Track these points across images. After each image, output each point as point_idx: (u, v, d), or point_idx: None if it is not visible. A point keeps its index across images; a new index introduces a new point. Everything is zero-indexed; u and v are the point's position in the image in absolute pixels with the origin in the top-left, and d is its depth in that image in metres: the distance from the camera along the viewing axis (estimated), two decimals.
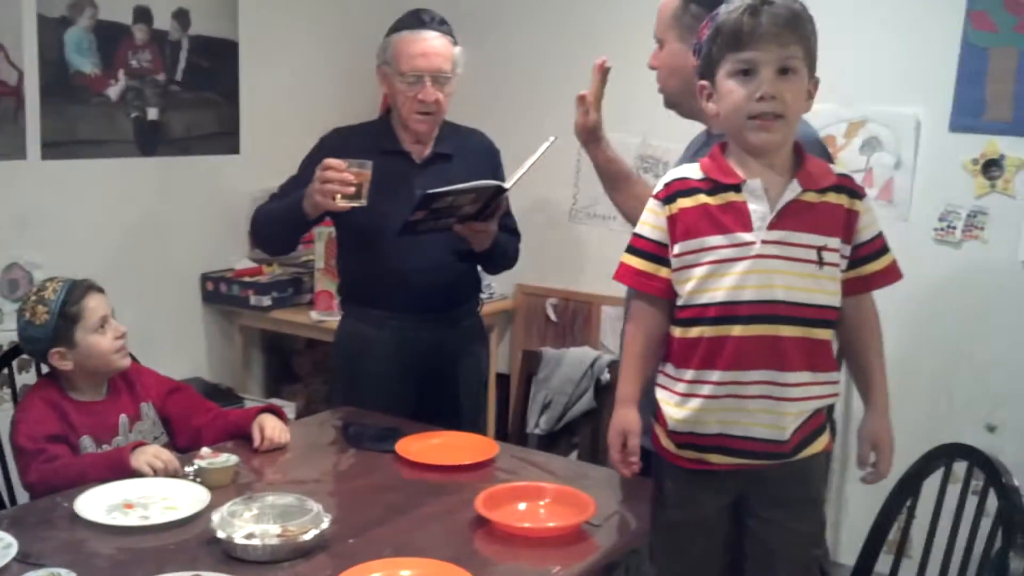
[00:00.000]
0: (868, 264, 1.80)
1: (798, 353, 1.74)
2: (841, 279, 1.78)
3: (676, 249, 1.77)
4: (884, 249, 1.82)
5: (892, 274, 1.83)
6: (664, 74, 2.30)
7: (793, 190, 1.74)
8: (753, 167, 1.75)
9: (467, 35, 2.87)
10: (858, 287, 1.81)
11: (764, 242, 1.72)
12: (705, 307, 1.75)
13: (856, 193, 1.78)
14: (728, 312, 1.73)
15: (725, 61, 1.72)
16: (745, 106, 1.71)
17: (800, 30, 1.71)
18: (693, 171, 1.80)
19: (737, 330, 1.73)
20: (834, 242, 1.75)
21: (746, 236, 1.73)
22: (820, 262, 1.73)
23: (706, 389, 1.75)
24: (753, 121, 1.71)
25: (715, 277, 1.74)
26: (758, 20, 1.68)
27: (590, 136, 2.38)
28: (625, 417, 1.84)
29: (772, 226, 1.72)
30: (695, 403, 1.76)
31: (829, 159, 1.95)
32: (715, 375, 1.74)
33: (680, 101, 2.28)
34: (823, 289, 1.74)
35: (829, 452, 1.90)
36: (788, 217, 1.73)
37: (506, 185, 2.61)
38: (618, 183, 2.41)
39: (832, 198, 1.76)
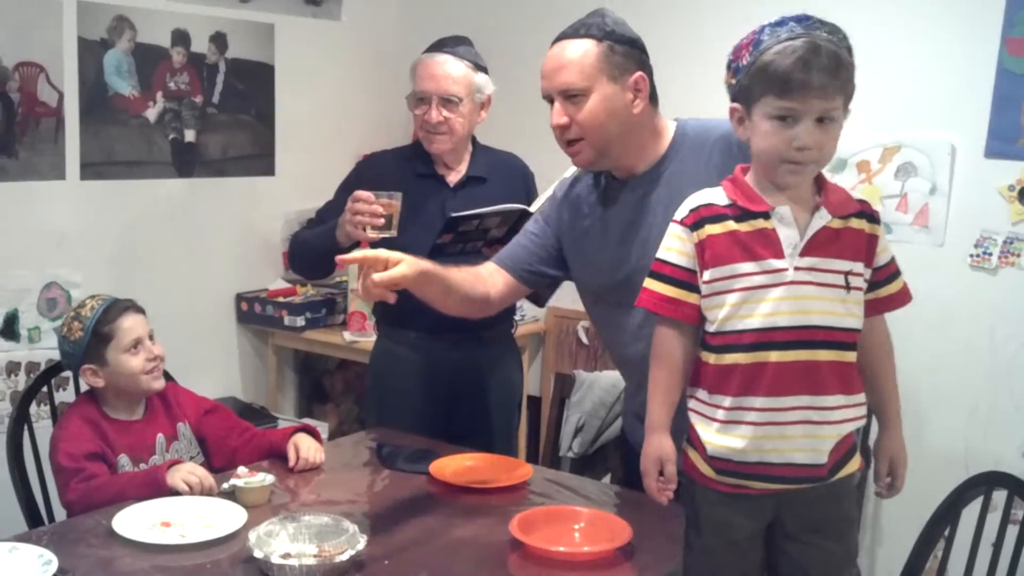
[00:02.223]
0: (884, 287, 1.83)
1: (834, 377, 1.75)
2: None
3: (706, 276, 1.76)
4: (898, 272, 1.84)
5: (905, 296, 1.85)
6: (600, 121, 2.09)
7: (822, 218, 1.74)
8: (778, 194, 1.76)
9: (505, 60, 2.88)
10: (875, 309, 1.83)
11: (797, 268, 1.72)
12: (740, 334, 1.74)
13: (874, 218, 1.80)
14: (765, 339, 1.72)
15: (764, 102, 1.70)
16: (782, 151, 1.70)
17: (844, 79, 1.69)
18: (717, 196, 1.79)
19: (775, 356, 1.72)
20: (858, 266, 1.76)
21: (778, 263, 1.73)
22: (847, 287, 1.74)
23: (751, 416, 1.74)
24: (787, 165, 1.71)
25: (749, 304, 1.73)
26: (808, 73, 1.65)
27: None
28: (660, 445, 1.83)
29: (803, 253, 1.73)
30: (743, 430, 1.75)
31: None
32: (757, 402, 1.73)
33: (610, 150, 2.13)
34: (851, 313, 1.75)
35: (861, 472, 1.89)
36: (817, 244, 1.73)
37: (531, 209, 2.61)
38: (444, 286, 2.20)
39: (854, 224, 1.77)
